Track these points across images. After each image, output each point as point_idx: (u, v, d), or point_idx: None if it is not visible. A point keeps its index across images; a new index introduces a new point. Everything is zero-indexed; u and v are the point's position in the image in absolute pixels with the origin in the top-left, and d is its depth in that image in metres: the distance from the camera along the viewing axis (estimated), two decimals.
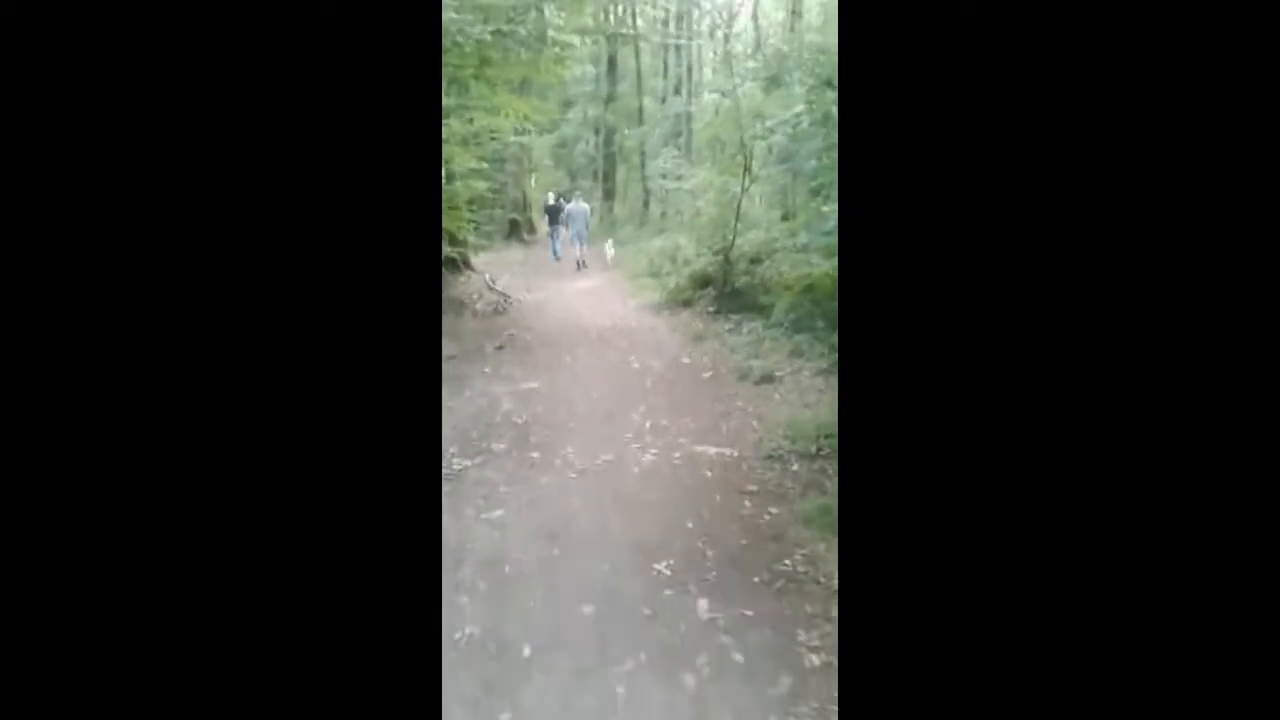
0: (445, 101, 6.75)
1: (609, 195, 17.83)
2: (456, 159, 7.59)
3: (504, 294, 8.59)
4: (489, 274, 9.65)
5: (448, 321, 7.25)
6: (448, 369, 5.59)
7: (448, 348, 6.20)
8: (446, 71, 6.23)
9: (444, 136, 7.35)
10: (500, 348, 6.45)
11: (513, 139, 10.73)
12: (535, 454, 3.92)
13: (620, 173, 18.30)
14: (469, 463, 3.83)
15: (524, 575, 2.64)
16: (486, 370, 5.69)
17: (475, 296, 8.45)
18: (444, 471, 3.70)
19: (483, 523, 3.12)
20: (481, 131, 8.37)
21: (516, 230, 14.93)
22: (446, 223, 7.77)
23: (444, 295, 8.02)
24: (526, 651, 2.17)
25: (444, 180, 7.29)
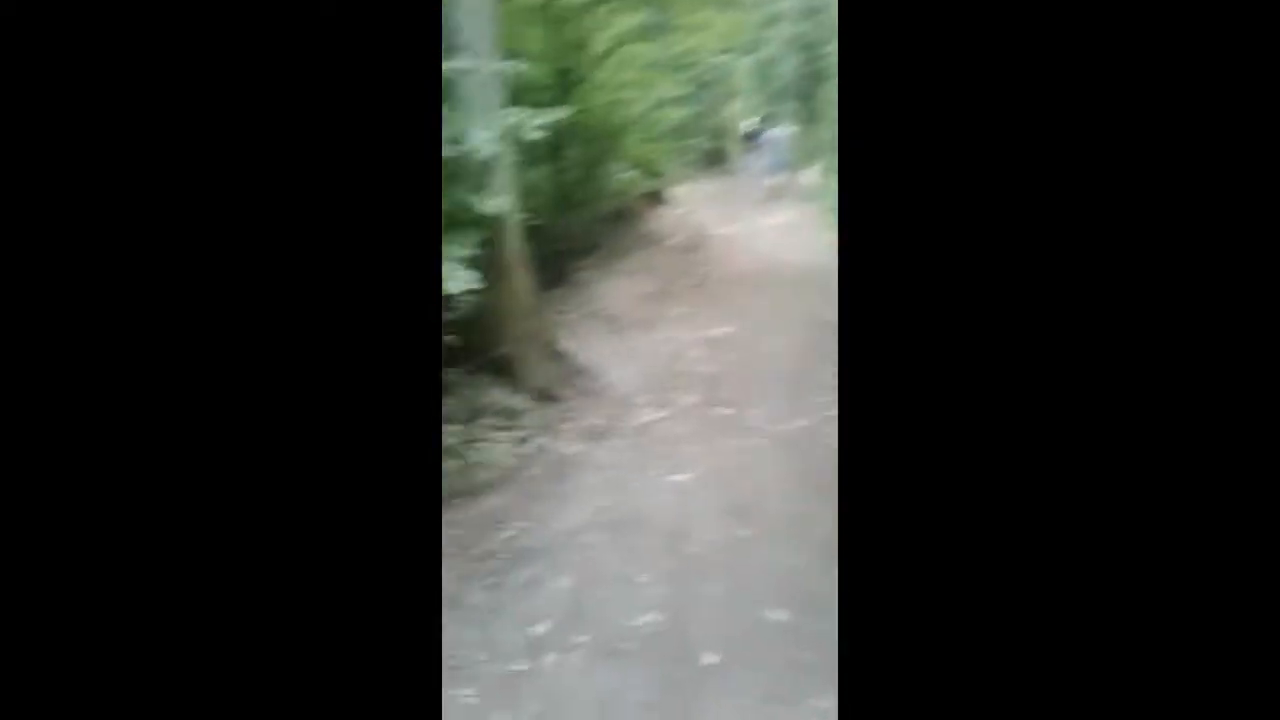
0: (644, 20, 6.41)
1: (811, 119, 16.69)
2: (658, 85, 7.27)
3: (698, 228, 8.30)
4: (685, 206, 9.39)
5: (645, 255, 7.13)
6: (642, 309, 5.47)
7: (646, 284, 6.08)
8: None
9: (646, 61, 7.06)
10: (693, 286, 6.21)
11: (714, 60, 10.17)
12: (724, 411, 3.70)
13: (823, 93, 17.02)
14: (657, 415, 3.69)
15: (709, 558, 2.44)
16: (677, 312, 5.50)
17: (670, 230, 8.23)
18: (633, 424, 3.59)
19: (667, 486, 2.96)
20: (682, 55, 7.96)
21: (715, 159, 14.42)
22: (647, 154, 7.58)
23: (639, 230, 7.91)
24: (710, 658, 1.98)
25: (645, 108, 7.02)
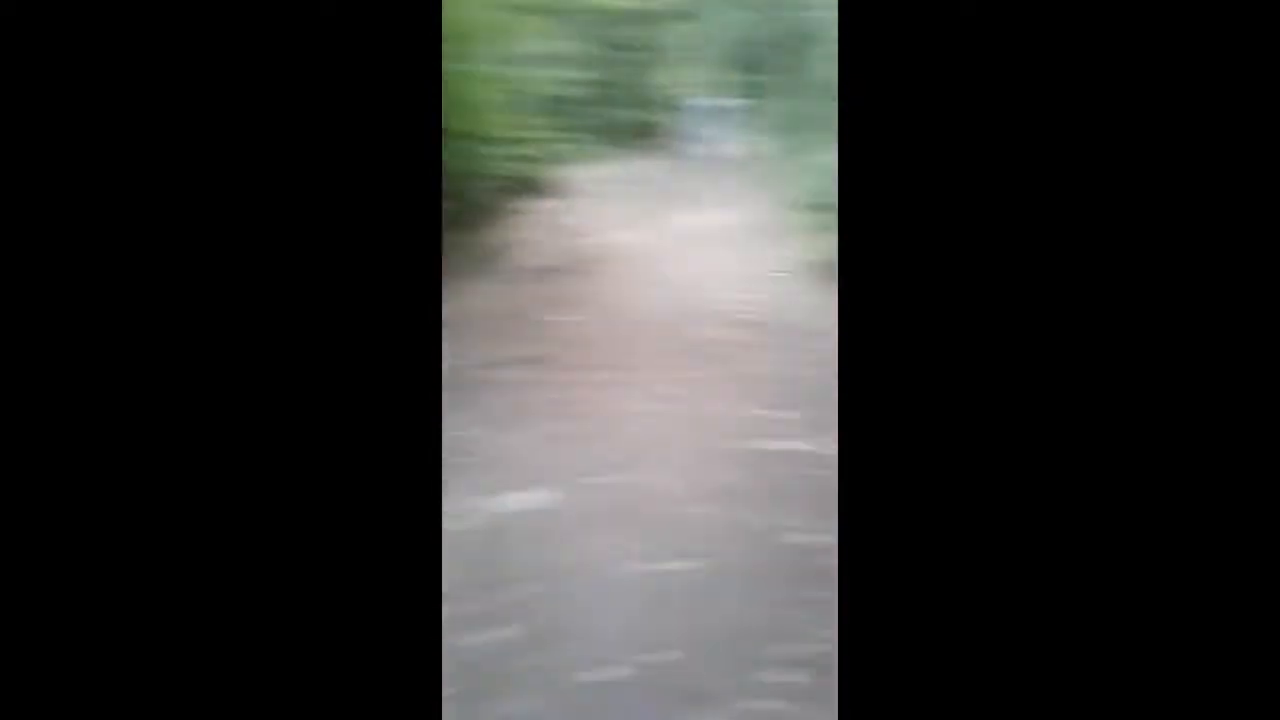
0: None
1: (763, 92, 14.39)
2: (531, 39, 5.01)
3: (587, 236, 5.97)
4: (578, 200, 7.02)
5: (481, 287, 4.80)
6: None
7: (468, 348, 3.78)
8: None
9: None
10: (526, 362, 3.87)
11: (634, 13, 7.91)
12: None
13: (782, 62, 14.75)
14: None
15: None
16: (470, 434, 3.17)
17: (536, 242, 5.86)
18: None
19: None
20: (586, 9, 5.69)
21: (640, 136, 12.01)
22: (507, 131, 5.34)
23: (489, 239, 5.55)
24: None
25: (508, 67, 4.84)
